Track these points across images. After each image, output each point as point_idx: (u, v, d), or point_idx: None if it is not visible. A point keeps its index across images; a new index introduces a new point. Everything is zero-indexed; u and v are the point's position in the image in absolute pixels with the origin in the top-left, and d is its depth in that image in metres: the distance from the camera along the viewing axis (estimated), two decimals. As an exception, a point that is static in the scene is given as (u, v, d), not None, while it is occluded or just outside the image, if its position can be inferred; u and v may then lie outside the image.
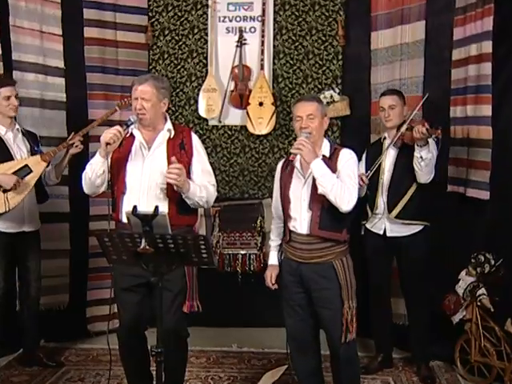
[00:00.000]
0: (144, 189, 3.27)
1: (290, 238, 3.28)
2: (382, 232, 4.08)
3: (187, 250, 2.66)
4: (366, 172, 4.09)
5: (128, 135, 3.33)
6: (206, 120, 5.14)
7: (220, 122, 5.14)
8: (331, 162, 3.19)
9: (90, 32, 4.85)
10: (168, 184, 3.20)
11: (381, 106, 4.13)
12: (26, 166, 3.97)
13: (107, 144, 3.17)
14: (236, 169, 5.18)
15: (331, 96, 4.94)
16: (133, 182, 3.29)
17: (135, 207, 2.72)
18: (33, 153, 4.13)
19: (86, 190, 3.41)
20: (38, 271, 4.22)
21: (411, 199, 3.99)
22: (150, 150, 3.33)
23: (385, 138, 4.16)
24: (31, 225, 4.15)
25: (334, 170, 3.15)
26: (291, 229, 3.27)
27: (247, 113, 5.04)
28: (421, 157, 3.78)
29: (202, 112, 5.11)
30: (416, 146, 3.80)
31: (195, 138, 3.45)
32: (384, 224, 4.07)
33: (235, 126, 5.19)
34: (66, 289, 4.78)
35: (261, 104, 5.00)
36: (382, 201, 4.05)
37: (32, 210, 4.15)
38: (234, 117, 5.17)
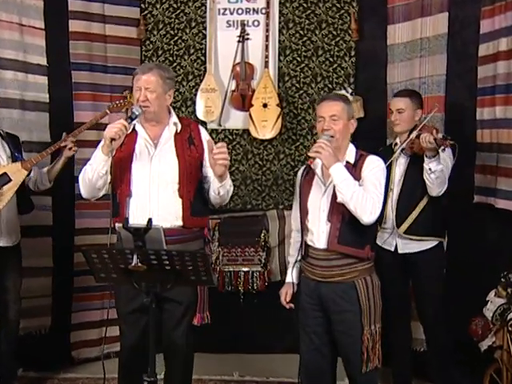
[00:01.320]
0: (154, 190, 3.30)
1: (307, 254, 3.27)
2: (393, 248, 4.06)
3: (184, 267, 2.66)
4: None
5: (130, 131, 3.34)
6: (204, 123, 5.09)
7: (220, 125, 5.12)
8: (355, 169, 3.18)
9: (75, 25, 4.82)
10: (181, 182, 3.28)
11: (389, 108, 4.15)
12: (5, 174, 3.95)
13: (112, 140, 3.16)
14: (238, 177, 5.15)
15: (345, 96, 4.89)
16: (140, 183, 3.32)
17: (127, 219, 2.72)
18: (13, 159, 4.11)
19: (84, 193, 3.41)
20: (17, 291, 4.18)
21: (422, 213, 3.96)
22: (156, 147, 3.37)
23: (396, 144, 4.14)
24: (9, 239, 4.10)
25: (357, 178, 3.13)
26: (308, 243, 3.27)
27: (250, 115, 5.02)
28: (429, 169, 3.75)
29: (200, 114, 5.08)
30: (425, 157, 3.76)
31: (204, 131, 3.51)
32: (395, 240, 4.05)
33: (236, 129, 5.18)
34: (47, 311, 4.75)
35: (265, 105, 4.98)
36: (390, 214, 4.03)
37: (11, 223, 4.10)
38: (236, 120, 5.16)
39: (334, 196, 3.13)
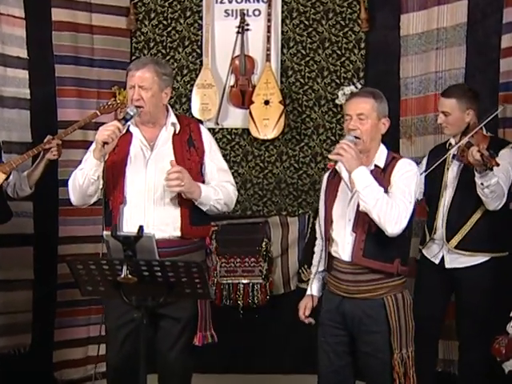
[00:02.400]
0: (149, 197, 3.30)
1: (332, 266, 3.24)
2: (438, 261, 4.04)
3: (178, 279, 2.66)
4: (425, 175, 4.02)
5: (123, 133, 3.33)
6: (200, 122, 5.04)
7: (217, 124, 5.11)
8: (385, 174, 3.13)
9: (59, 14, 4.80)
10: None
11: (437, 108, 4.10)
12: (-20, 178, 3.94)
13: (104, 143, 3.16)
14: (237, 180, 5.06)
15: (352, 93, 4.87)
16: (135, 189, 3.31)
17: (115, 227, 2.70)
18: (-10, 162, 4.10)
19: (74, 200, 3.42)
20: (-7, 306, 4.16)
21: (476, 226, 3.91)
22: (152, 149, 3.36)
23: (450, 145, 4.04)
24: (-16, 249, 4.08)
25: (386, 184, 3.09)
26: (333, 254, 3.24)
27: (250, 113, 5.02)
28: (481, 183, 3.66)
29: (196, 112, 5.07)
30: (475, 171, 3.67)
31: (205, 132, 3.51)
32: (442, 252, 4.01)
33: (236, 128, 5.18)
34: (27, 328, 4.70)
35: (266, 102, 4.98)
36: (441, 224, 3.99)
37: (-14, 232, 4.08)
38: (235, 118, 5.16)
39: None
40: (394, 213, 2.98)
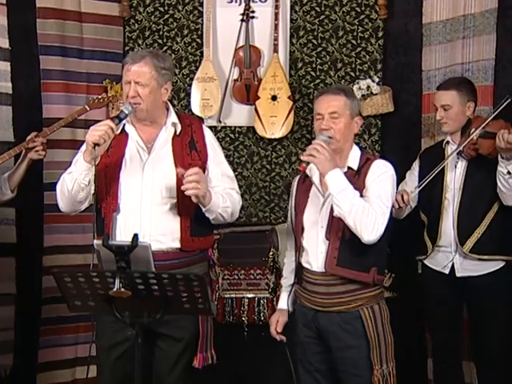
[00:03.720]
0: (146, 204, 3.29)
1: (303, 278, 3.30)
2: (448, 271, 4.03)
3: (176, 292, 2.66)
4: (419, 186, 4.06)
5: (118, 132, 3.32)
6: (200, 119, 5.07)
7: (220, 121, 5.13)
8: (359, 176, 3.20)
9: (43, 0, 4.80)
10: (179, 196, 3.26)
11: (433, 104, 4.14)
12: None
13: (95, 145, 3.15)
14: (241, 184, 5.12)
15: (368, 87, 4.95)
16: (130, 195, 3.31)
17: (107, 235, 2.70)
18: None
19: (62, 206, 3.41)
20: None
21: (490, 227, 3.93)
22: (150, 152, 3.35)
23: (447, 143, 4.12)
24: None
25: (361, 187, 3.16)
26: (304, 265, 3.30)
27: (256, 110, 5.03)
28: (508, 172, 3.71)
29: (196, 109, 5.09)
30: (500, 159, 3.72)
31: (208, 133, 3.52)
32: (452, 261, 4.01)
33: (240, 127, 5.20)
34: (9, 347, 4.72)
35: (274, 98, 4.99)
36: (449, 229, 4.00)
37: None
38: (239, 115, 5.18)
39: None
40: (370, 219, 3.05)
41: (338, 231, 3.15)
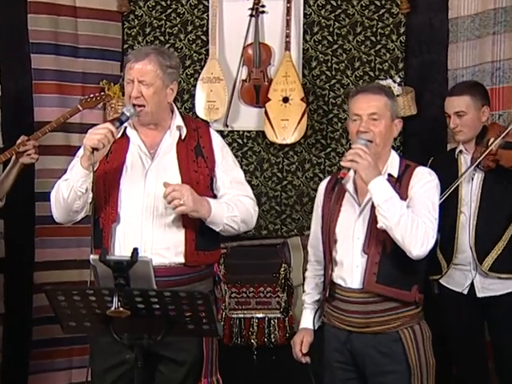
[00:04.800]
0: (148, 215, 3.29)
1: (334, 296, 3.25)
2: (466, 291, 4.03)
3: (179, 312, 2.64)
4: None
5: (118, 136, 3.32)
6: (206, 123, 5.06)
7: (226, 125, 5.16)
8: (400, 185, 3.17)
9: (35, -7, 4.85)
10: None
11: (445, 112, 4.14)
12: None
13: (94, 150, 3.14)
14: (250, 194, 5.13)
15: (389, 88, 4.87)
16: (131, 205, 3.30)
17: (105, 250, 2.69)
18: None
19: (57, 216, 3.40)
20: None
21: (510, 242, 3.94)
22: (153, 158, 3.35)
23: (460, 152, 4.13)
24: None
25: (403, 197, 3.12)
26: (335, 281, 3.25)
27: (266, 113, 5.05)
28: None
29: (201, 111, 5.10)
30: None
31: (216, 137, 3.51)
32: (470, 279, 4.02)
33: (248, 131, 5.24)
34: (-4, 372, 4.74)
35: (285, 100, 5.01)
36: (466, 246, 4.01)
37: None
38: (247, 118, 5.21)
39: (373, 219, 3.12)
40: (420, 232, 3.03)
41: (378, 244, 3.13)
